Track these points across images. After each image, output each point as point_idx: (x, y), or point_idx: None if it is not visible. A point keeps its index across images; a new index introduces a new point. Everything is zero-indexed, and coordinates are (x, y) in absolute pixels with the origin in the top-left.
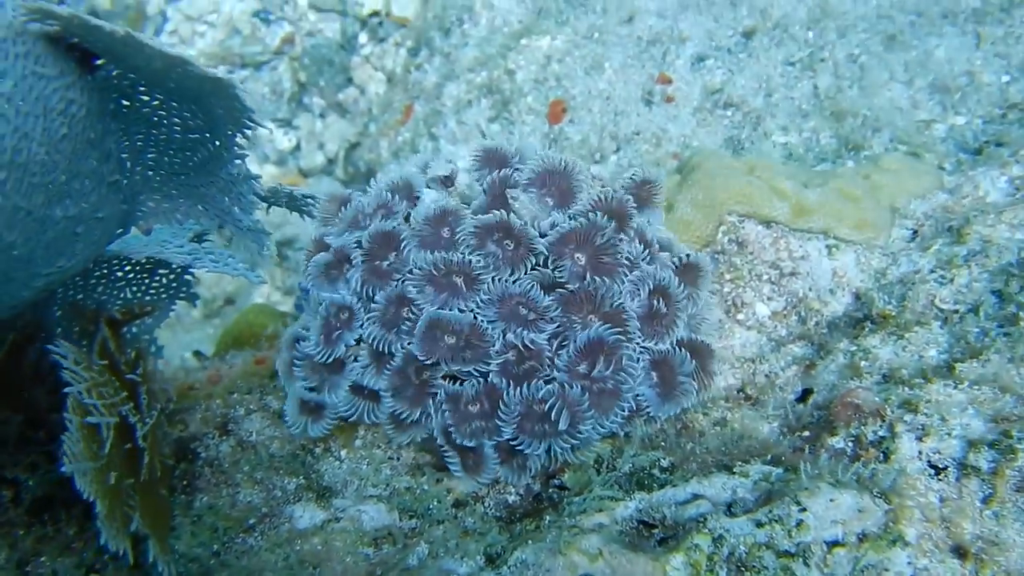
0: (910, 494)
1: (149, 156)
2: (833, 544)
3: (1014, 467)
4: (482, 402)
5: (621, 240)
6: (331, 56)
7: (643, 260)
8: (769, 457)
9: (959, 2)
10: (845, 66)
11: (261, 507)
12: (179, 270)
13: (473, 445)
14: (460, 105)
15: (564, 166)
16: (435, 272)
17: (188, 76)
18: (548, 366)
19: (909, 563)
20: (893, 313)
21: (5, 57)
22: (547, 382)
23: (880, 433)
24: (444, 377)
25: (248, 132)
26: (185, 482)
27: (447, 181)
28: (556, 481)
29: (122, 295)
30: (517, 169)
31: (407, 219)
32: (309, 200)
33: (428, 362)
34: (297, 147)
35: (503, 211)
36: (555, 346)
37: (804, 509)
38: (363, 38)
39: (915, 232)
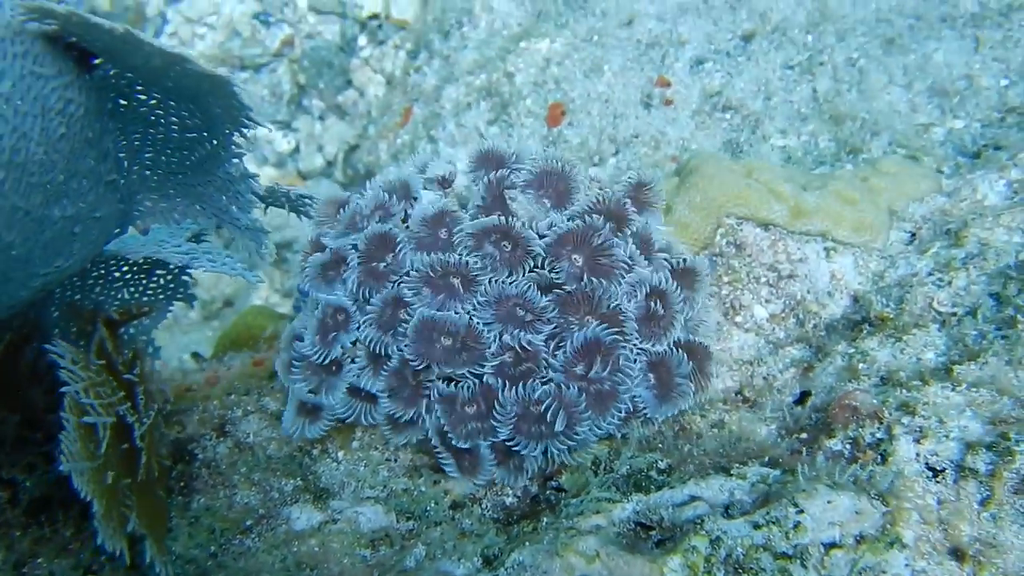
0: (908, 496)
1: (147, 155)
2: (830, 546)
3: (1012, 469)
4: (479, 403)
5: (619, 242)
6: (330, 58)
7: (641, 261)
8: (767, 459)
9: (958, 6)
10: (844, 70)
11: (258, 508)
12: (176, 271)
13: (469, 446)
14: (459, 108)
15: (561, 167)
16: (432, 274)
17: (186, 74)
18: (545, 367)
19: (907, 565)
20: (891, 316)
21: (3, 57)
22: (544, 383)
23: (878, 435)
24: (442, 379)
25: (246, 131)
26: (182, 483)
27: (445, 182)
28: (553, 483)
29: (119, 296)
30: (515, 170)
31: (405, 220)
32: (306, 200)
33: (421, 366)
34: (296, 149)
35: (501, 213)
36: (552, 347)
37: (801, 511)
38: (362, 40)
39: (913, 235)
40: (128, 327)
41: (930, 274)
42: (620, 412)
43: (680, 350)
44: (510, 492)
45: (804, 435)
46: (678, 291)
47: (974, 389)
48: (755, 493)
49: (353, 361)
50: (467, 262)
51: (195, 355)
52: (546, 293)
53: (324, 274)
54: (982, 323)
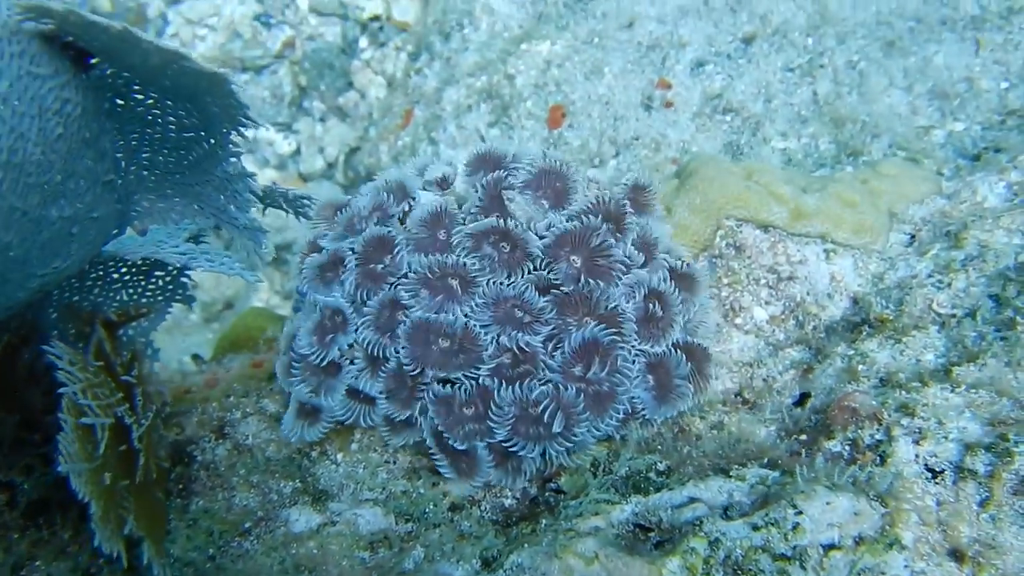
0: (907, 497)
1: (144, 155)
2: (829, 547)
3: (1011, 470)
4: (476, 405)
5: (617, 242)
6: (332, 60)
7: (640, 263)
8: (766, 461)
9: (958, 9)
10: (844, 72)
11: (257, 511)
12: (175, 272)
13: (466, 448)
14: (460, 110)
15: (559, 167)
16: (430, 275)
17: (184, 72)
18: (543, 369)
19: (906, 566)
20: (891, 317)
21: (0, 57)
22: (542, 385)
23: (877, 436)
24: (441, 381)
25: (243, 129)
26: (181, 486)
27: (444, 183)
28: (552, 484)
29: (118, 297)
30: (512, 171)
31: (402, 221)
32: (304, 201)
33: (416, 371)
34: (297, 151)
35: (499, 215)
36: (550, 349)
37: (800, 512)
38: (364, 42)
39: (913, 237)
40: (127, 329)
41: (930, 276)
42: (618, 413)
43: (679, 351)
44: (509, 494)
45: (803, 437)
46: (676, 292)
47: (973, 390)
48: (754, 495)
49: (352, 363)
50: (465, 263)
51: (195, 357)
52: (544, 294)
53: (322, 276)
54: (981, 325)
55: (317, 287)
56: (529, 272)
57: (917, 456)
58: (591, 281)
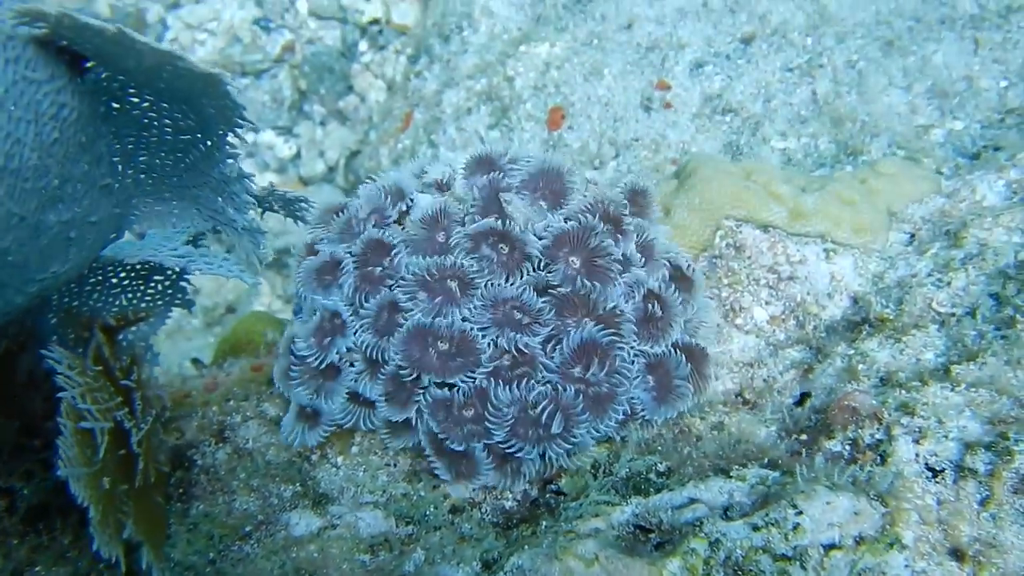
0: (907, 497)
1: (141, 158)
2: (830, 547)
3: (1011, 469)
4: (475, 406)
5: (617, 242)
6: (331, 64)
7: (639, 264)
8: (766, 461)
9: (957, 8)
10: (843, 72)
11: (257, 514)
12: (174, 276)
13: (463, 450)
14: (459, 112)
15: (556, 167)
16: (429, 277)
17: (179, 74)
18: (542, 370)
19: (907, 566)
20: (890, 316)
21: None
22: (541, 386)
23: (877, 436)
24: (439, 384)
25: (240, 131)
26: (181, 490)
27: (443, 185)
28: (553, 486)
29: (117, 302)
30: (509, 172)
31: (399, 223)
32: (302, 204)
33: (413, 376)
34: (297, 155)
35: (498, 215)
36: (549, 350)
37: (800, 512)
38: (363, 46)
39: (912, 236)
40: (126, 333)
41: (929, 275)
42: (618, 414)
43: (679, 352)
44: (510, 496)
45: (804, 437)
46: (676, 293)
47: (973, 389)
48: (754, 495)
49: (352, 366)
50: (463, 265)
51: (195, 361)
52: (543, 295)
53: (320, 278)
54: (981, 323)
55: (315, 290)
56: (528, 273)
57: (917, 455)
58: (589, 282)
